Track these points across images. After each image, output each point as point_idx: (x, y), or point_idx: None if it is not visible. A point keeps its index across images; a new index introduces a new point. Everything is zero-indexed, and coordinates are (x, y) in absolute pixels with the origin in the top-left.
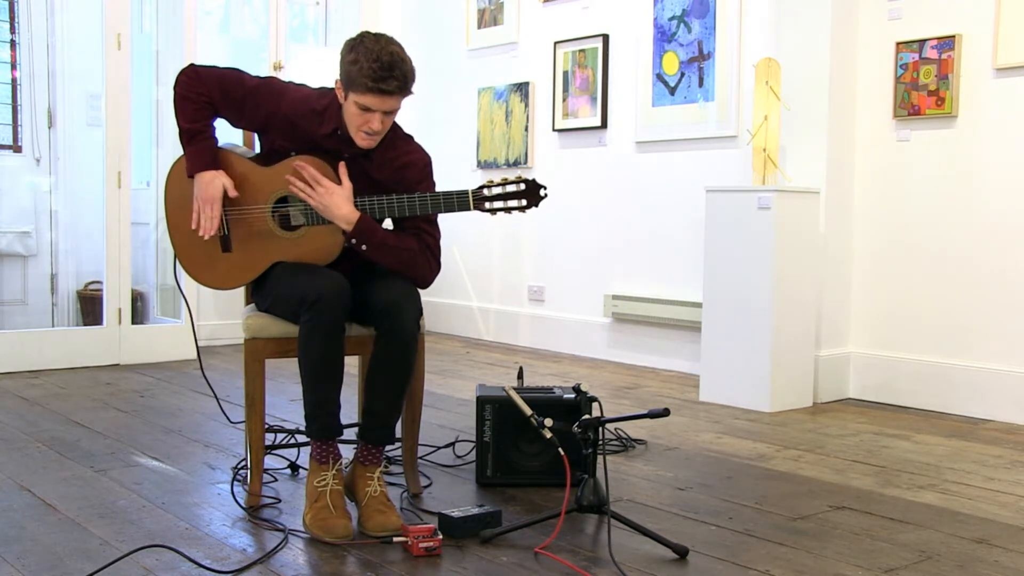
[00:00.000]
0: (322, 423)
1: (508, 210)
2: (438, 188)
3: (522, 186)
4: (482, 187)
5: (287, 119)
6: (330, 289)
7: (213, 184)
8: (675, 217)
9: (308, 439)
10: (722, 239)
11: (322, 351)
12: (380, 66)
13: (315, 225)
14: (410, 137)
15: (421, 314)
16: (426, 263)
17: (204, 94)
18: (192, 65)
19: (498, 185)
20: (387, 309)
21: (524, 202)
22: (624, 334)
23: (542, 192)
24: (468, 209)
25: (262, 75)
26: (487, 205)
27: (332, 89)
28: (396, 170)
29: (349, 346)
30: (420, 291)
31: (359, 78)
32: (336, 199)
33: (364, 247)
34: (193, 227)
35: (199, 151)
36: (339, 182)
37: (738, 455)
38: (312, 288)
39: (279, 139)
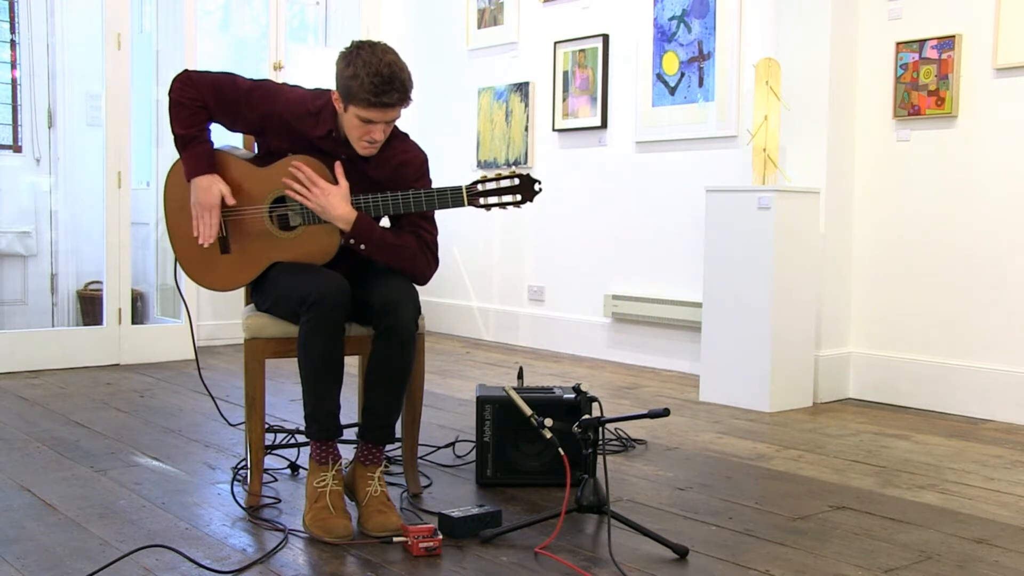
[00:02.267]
0: (322, 424)
1: (503, 205)
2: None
3: (516, 180)
4: (476, 182)
5: (282, 120)
6: (330, 289)
7: (210, 191)
8: (675, 217)
9: (308, 439)
10: (722, 239)
11: (322, 351)
12: (380, 80)
13: (312, 224)
14: (406, 135)
15: (419, 312)
16: (425, 260)
17: (198, 99)
18: (186, 71)
19: (492, 180)
20: (385, 308)
21: (519, 196)
22: (624, 334)
23: (536, 187)
24: (462, 204)
25: (257, 77)
26: (481, 200)
27: (327, 90)
28: (393, 169)
29: (349, 346)
30: (419, 290)
31: (359, 93)
32: (333, 199)
33: (363, 246)
34: (194, 234)
35: (195, 155)
36: (335, 182)
37: (738, 455)
38: (312, 288)
39: (276, 141)
